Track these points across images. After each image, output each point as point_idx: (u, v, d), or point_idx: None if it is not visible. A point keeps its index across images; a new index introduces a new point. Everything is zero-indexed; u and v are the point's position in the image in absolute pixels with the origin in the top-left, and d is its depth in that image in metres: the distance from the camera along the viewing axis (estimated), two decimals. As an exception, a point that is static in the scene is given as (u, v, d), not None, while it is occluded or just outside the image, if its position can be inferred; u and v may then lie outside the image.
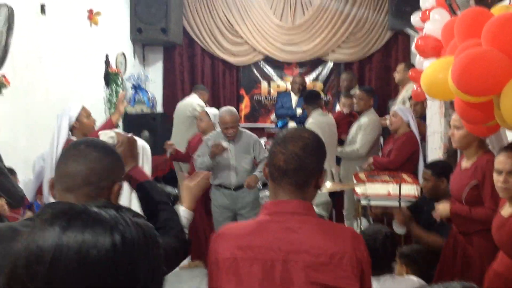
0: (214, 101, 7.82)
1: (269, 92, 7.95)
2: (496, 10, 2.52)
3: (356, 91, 6.41)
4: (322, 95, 7.48)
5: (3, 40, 4.17)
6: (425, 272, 2.83)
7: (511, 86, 2.11)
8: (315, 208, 3.43)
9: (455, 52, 2.43)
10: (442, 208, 3.23)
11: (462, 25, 2.51)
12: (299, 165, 1.67)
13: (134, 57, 7.32)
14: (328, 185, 4.07)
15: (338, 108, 6.60)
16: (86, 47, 5.84)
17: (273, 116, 7.42)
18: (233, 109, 5.05)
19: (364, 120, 5.71)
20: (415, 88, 4.60)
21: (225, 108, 5.01)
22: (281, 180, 1.69)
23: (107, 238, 0.83)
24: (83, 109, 4.73)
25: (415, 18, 4.70)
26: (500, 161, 2.62)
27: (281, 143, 1.71)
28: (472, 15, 2.49)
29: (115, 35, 6.64)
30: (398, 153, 5.13)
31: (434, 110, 4.66)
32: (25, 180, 4.42)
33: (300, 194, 1.70)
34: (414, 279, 2.69)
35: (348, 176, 5.42)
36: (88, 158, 1.56)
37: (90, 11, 5.86)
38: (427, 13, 4.33)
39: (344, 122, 5.97)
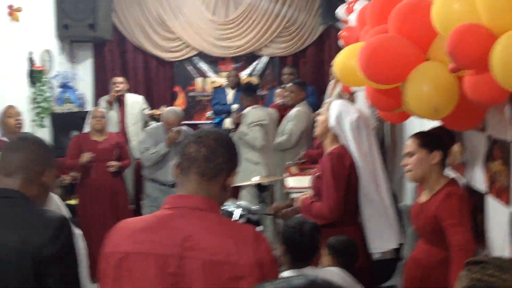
0: (148, 99, 7.61)
1: (204, 88, 7.86)
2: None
3: None
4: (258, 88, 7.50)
5: None
6: (350, 263, 2.82)
7: (416, 74, 2.11)
8: (244, 202, 3.35)
9: (366, 37, 2.42)
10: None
11: (373, 11, 2.50)
12: (210, 153, 1.63)
13: (62, 54, 7.05)
14: (255, 179, 4.03)
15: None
16: (7, 45, 5.56)
17: (209, 113, 7.36)
18: (178, 109, 5.10)
19: (292, 111, 5.74)
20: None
21: (170, 108, 5.10)
22: (189, 169, 1.64)
23: None
24: (11, 108, 4.64)
25: (340, 11, 4.72)
26: (405, 145, 2.68)
27: (194, 135, 1.70)
28: (383, 0, 2.48)
29: (39, 31, 6.36)
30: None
31: (361, 103, 4.68)
32: None
33: (205, 188, 1.64)
34: (335, 270, 2.67)
35: (282, 167, 5.41)
36: (22, 150, 1.94)
37: (10, 7, 5.59)
38: (351, 5, 4.36)
39: (279, 114, 5.96)
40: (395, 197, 3.65)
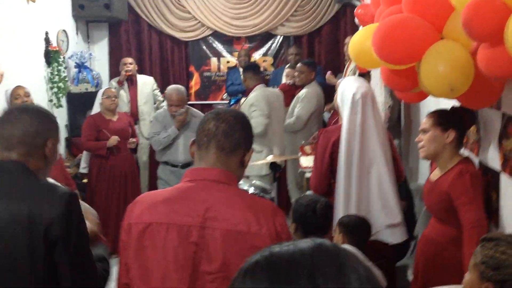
0: (164, 79, 7.68)
1: (219, 68, 7.85)
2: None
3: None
4: (272, 69, 7.46)
5: None
6: (361, 241, 2.83)
7: (431, 53, 2.09)
8: (258, 182, 3.39)
9: (379, 19, 2.40)
10: None
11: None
12: (229, 129, 1.68)
13: (77, 34, 7.09)
14: (269, 158, 4.03)
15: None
16: (23, 25, 5.60)
17: (225, 95, 7.36)
18: (181, 87, 5.06)
19: (302, 92, 5.70)
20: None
21: (172, 86, 5.05)
22: (208, 144, 1.69)
23: None
24: (20, 88, 4.60)
25: (356, -12, 4.68)
26: (422, 122, 2.68)
27: (213, 113, 1.75)
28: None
29: (55, 12, 6.39)
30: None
31: (375, 81, 4.66)
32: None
33: (224, 162, 1.69)
34: (346, 247, 2.69)
35: (292, 149, 5.39)
36: (20, 121, 1.82)
37: (26, -13, 5.62)
38: (367, -18, 4.31)
39: (288, 95, 5.93)
40: (405, 179, 3.62)
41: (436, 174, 2.69)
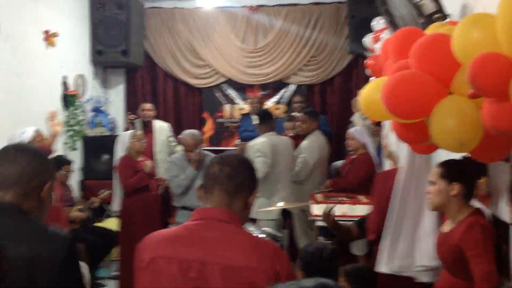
0: (177, 124, 7.78)
1: (232, 115, 7.95)
2: (430, 28, 2.55)
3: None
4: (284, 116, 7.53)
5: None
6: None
7: (440, 108, 2.12)
8: (269, 229, 3.40)
9: (388, 73, 2.45)
10: None
11: (394, 45, 2.53)
12: (232, 171, 1.76)
13: (95, 79, 7.26)
14: (280, 204, 4.05)
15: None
16: (42, 68, 5.76)
17: (238, 141, 7.43)
18: (196, 132, 5.17)
19: (304, 142, 5.73)
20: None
21: (188, 131, 5.14)
22: (213, 186, 1.76)
23: None
24: (36, 133, 4.71)
25: (367, 40, 4.78)
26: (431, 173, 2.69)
27: (217, 157, 1.84)
28: (404, 34, 2.51)
29: (74, 56, 6.58)
30: (355, 174, 5.16)
31: (387, 129, 4.68)
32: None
33: (228, 203, 1.76)
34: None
35: (298, 198, 5.34)
36: (18, 161, 1.75)
37: (46, 32, 5.80)
38: (378, 34, 4.41)
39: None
40: None
41: (448, 225, 2.68)
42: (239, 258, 1.63)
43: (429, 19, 2.94)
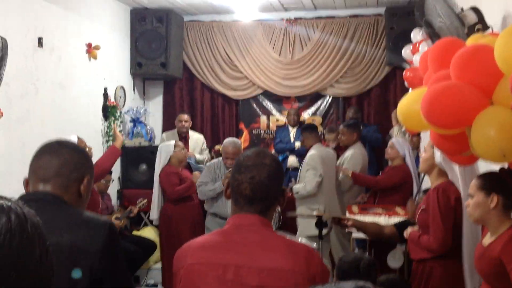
0: (214, 135, 7.88)
1: (268, 126, 7.98)
2: (470, 39, 2.54)
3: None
4: (321, 129, 7.54)
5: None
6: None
7: (481, 118, 2.11)
8: (304, 239, 3.41)
9: (428, 82, 2.44)
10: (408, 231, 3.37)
11: (434, 56, 2.53)
12: (266, 193, 1.75)
13: (134, 90, 7.41)
14: (314, 212, 4.06)
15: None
16: (84, 80, 5.93)
17: (273, 151, 7.47)
18: (237, 140, 5.23)
19: (347, 153, 5.75)
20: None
21: (229, 139, 5.20)
22: (248, 207, 1.75)
23: (2, 218, 0.82)
24: (79, 140, 4.82)
25: (406, 51, 4.76)
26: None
27: (245, 171, 1.76)
28: (444, 45, 2.51)
29: (115, 69, 6.74)
30: (387, 176, 5.18)
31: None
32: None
33: (261, 215, 1.77)
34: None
35: (338, 209, 5.38)
36: (60, 153, 1.80)
37: (89, 45, 5.97)
38: (417, 45, 4.39)
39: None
40: None
41: (488, 239, 2.64)
42: (274, 260, 1.64)
43: (471, 30, 2.93)
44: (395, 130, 6.18)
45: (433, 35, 3.19)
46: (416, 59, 4.00)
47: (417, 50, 4.28)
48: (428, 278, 3.15)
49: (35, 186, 1.79)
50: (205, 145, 7.12)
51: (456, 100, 2.17)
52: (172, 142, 5.73)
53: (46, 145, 1.85)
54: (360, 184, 5.33)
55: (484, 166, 3.33)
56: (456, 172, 3.07)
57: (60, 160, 1.79)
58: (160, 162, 5.63)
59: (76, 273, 0.71)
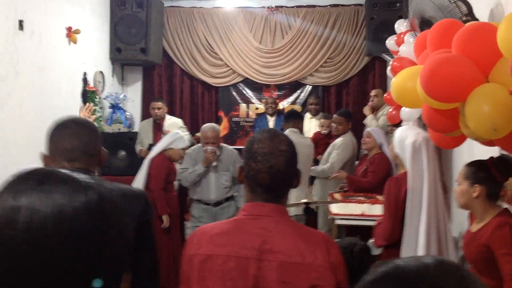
0: (193, 122, 7.85)
1: (247, 114, 7.99)
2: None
3: (333, 115, 6.48)
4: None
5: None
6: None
7: (476, 93, 2.16)
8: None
9: (425, 60, 2.48)
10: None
11: (435, 35, 2.57)
12: (283, 179, 1.75)
13: (113, 76, 7.32)
14: (303, 200, 4.08)
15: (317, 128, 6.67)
16: (64, 64, 5.83)
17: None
18: (216, 125, 5.16)
19: (338, 140, 5.77)
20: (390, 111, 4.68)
21: (208, 124, 5.13)
22: (266, 195, 1.74)
23: (81, 196, 0.81)
24: None
25: (390, 42, 4.81)
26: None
27: (262, 160, 1.72)
28: (445, 25, 2.56)
29: (94, 53, 6.65)
30: (375, 175, 5.18)
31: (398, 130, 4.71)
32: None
33: (278, 201, 1.76)
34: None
35: (323, 195, 5.44)
36: (80, 135, 1.92)
37: (69, 29, 5.86)
38: (402, 36, 4.44)
39: (322, 143, 6.01)
40: None
41: (475, 225, 2.72)
42: (294, 253, 1.63)
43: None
44: (368, 119, 6.24)
45: (423, 24, 3.24)
46: (402, 49, 4.04)
47: (402, 41, 4.32)
48: None
49: (61, 164, 1.89)
50: (184, 128, 6.95)
51: (455, 72, 2.22)
52: (187, 141, 5.54)
53: (63, 126, 1.94)
54: (354, 187, 5.32)
55: (467, 151, 3.40)
56: (408, 161, 3.11)
57: (84, 140, 1.92)
58: (163, 144, 5.33)
59: (97, 283, 0.71)
